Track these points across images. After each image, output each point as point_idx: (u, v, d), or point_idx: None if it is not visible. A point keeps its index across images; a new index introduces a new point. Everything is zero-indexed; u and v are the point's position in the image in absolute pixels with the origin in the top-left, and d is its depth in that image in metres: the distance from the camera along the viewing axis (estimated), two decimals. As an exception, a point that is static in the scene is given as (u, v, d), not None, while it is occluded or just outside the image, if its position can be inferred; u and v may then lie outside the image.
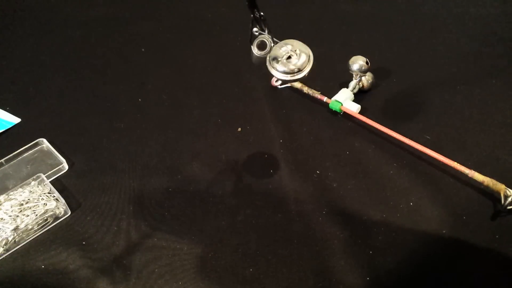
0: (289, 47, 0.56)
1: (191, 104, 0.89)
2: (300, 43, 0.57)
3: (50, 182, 0.72)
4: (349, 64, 0.82)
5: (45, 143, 0.80)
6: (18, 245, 0.65)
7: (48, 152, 0.79)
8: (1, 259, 0.63)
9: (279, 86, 0.90)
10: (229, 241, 0.64)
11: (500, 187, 0.63)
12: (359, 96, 0.85)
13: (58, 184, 0.73)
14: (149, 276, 0.60)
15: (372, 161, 0.73)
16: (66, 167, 0.76)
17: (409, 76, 0.90)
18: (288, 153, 0.76)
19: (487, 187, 0.65)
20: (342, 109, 0.80)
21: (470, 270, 0.58)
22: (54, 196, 0.69)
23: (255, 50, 0.54)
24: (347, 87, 0.84)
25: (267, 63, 0.57)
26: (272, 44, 0.53)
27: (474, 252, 0.60)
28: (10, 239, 0.64)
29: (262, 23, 0.53)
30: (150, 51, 1.05)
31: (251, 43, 0.53)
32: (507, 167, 0.70)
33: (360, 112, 0.80)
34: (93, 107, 0.90)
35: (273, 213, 0.67)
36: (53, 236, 0.66)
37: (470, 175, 0.66)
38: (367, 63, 0.81)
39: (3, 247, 0.63)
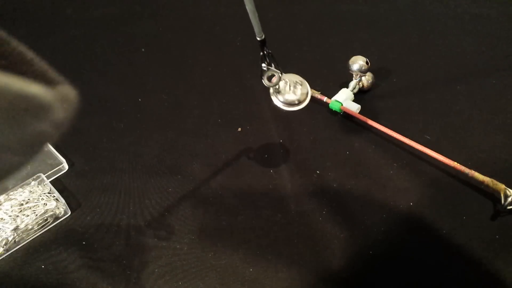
0: (294, 79, 0.63)
1: (191, 104, 0.89)
2: (299, 77, 0.64)
3: (50, 182, 0.72)
4: (349, 64, 0.82)
5: (45, 143, 0.80)
6: (18, 245, 0.65)
7: (48, 152, 0.79)
8: (1, 259, 0.63)
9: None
10: (229, 241, 0.64)
11: (500, 187, 0.63)
12: (359, 96, 0.85)
13: (58, 184, 0.73)
14: (149, 276, 0.60)
15: (372, 161, 0.73)
16: (66, 167, 0.76)
17: (409, 76, 0.90)
18: (288, 153, 0.76)
19: (487, 187, 0.65)
20: (342, 109, 0.80)
21: (470, 270, 0.58)
22: (54, 196, 0.69)
23: (266, 82, 0.60)
24: (347, 87, 0.84)
25: (271, 94, 0.64)
26: (281, 75, 0.60)
27: (474, 252, 0.60)
28: (10, 239, 0.64)
29: (270, 58, 0.59)
30: (150, 51, 1.06)
31: (262, 77, 0.60)
32: (507, 167, 0.70)
33: (360, 112, 0.80)
34: (93, 107, 0.90)
35: (273, 213, 0.67)
36: (53, 236, 0.66)
37: (470, 175, 0.66)
38: (367, 63, 0.81)
39: (3, 247, 0.63)
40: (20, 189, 0.70)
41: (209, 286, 0.59)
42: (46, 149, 0.80)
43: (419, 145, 0.70)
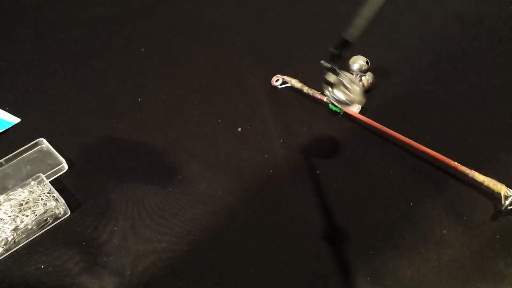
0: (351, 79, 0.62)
1: (191, 104, 0.89)
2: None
3: (49, 182, 0.72)
4: (349, 64, 0.82)
5: (44, 143, 0.80)
6: (18, 245, 0.65)
7: (48, 152, 0.79)
8: (1, 259, 0.63)
9: (279, 86, 0.90)
10: (229, 241, 0.64)
11: (500, 187, 0.63)
12: (359, 96, 0.85)
13: (58, 184, 0.73)
14: (149, 276, 0.60)
15: (372, 161, 0.73)
16: (66, 167, 0.76)
17: (409, 76, 0.90)
18: (288, 153, 0.76)
19: (487, 187, 0.65)
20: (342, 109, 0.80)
21: (471, 270, 0.58)
22: (54, 196, 0.69)
23: (324, 80, 0.60)
24: (347, 87, 0.84)
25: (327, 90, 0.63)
26: (339, 72, 0.59)
27: (474, 252, 0.60)
28: (10, 239, 0.64)
29: (340, 61, 0.59)
30: (150, 51, 1.05)
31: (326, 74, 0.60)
32: (507, 167, 0.70)
33: (360, 112, 0.80)
34: (93, 107, 0.90)
35: (273, 213, 0.67)
36: (53, 236, 0.66)
37: (470, 175, 0.66)
38: (367, 63, 0.81)
39: (3, 247, 0.63)
40: (20, 189, 0.70)
41: (209, 286, 0.59)
42: (45, 149, 0.80)
43: (419, 145, 0.70)
